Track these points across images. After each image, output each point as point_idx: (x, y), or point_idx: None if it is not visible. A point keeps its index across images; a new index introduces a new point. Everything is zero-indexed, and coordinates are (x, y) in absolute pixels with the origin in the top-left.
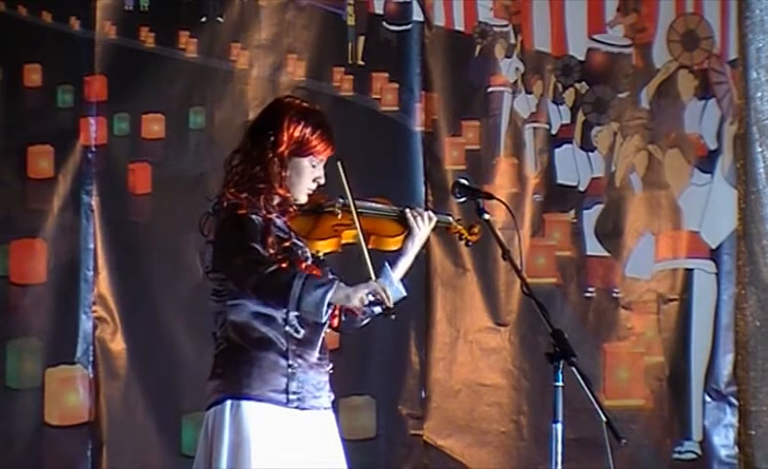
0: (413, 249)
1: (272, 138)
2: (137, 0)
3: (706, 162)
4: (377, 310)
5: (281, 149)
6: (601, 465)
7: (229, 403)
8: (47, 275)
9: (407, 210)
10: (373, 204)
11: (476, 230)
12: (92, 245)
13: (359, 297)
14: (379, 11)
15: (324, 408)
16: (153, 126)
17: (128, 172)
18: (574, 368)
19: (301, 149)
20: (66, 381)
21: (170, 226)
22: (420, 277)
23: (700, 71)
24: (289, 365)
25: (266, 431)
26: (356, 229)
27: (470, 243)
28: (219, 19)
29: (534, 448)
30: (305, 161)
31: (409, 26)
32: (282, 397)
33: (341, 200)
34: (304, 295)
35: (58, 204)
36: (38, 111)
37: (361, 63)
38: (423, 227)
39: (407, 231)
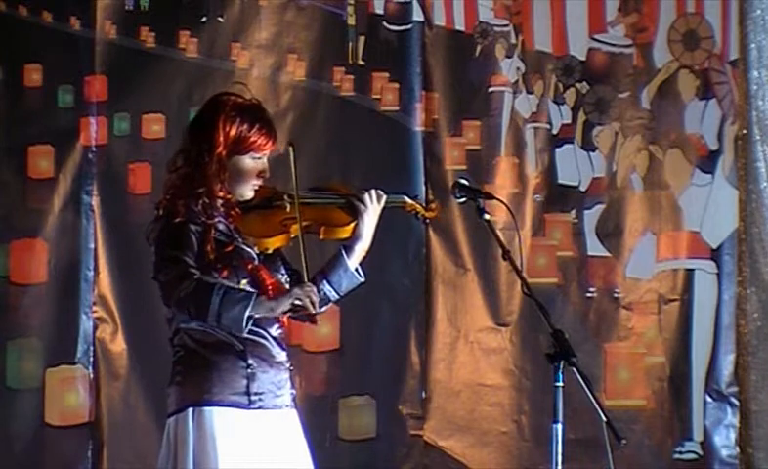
0: (367, 231)
1: (208, 139)
2: (137, 0)
3: (707, 162)
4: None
5: (219, 149)
6: (601, 465)
7: (191, 410)
8: (47, 275)
9: (356, 193)
10: (323, 194)
11: (432, 206)
12: (92, 245)
13: (281, 309)
14: (379, 11)
15: (286, 407)
16: (154, 126)
17: (128, 172)
18: (574, 369)
19: (240, 146)
20: (67, 381)
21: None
22: (421, 276)
23: (700, 71)
24: (248, 366)
25: (230, 434)
26: (304, 221)
27: (428, 220)
28: (219, 18)
29: (535, 449)
30: (246, 159)
31: (410, 26)
32: (244, 399)
33: (289, 194)
34: (223, 312)
35: (58, 204)
36: (38, 111)
37: (361, 62)
38: (371, 206)
39: (358, 216)
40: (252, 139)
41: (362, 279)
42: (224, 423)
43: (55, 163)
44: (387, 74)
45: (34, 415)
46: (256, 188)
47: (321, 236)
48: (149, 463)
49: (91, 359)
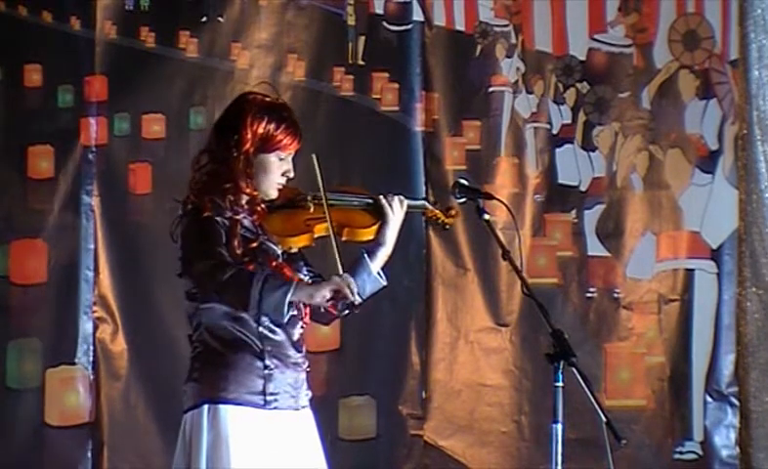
0: (391, 237)
1: (236, 136)
2: (137, 0)
3: (707, 162)
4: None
5: (246, 146)
6: (602, 465)
7: (206, 407)
8: (47, 275)
9: (381, 197)
10: (346, 196)
11: (453, 212)
12: (92, 246)
13: (321, 295)
14: (379, 11)
15: (302, 407)
16: (154, 126)
17: (128, 172)
18: (574, 369)
19: (266, 145)
20: (67, 381)
21: (170, 226)
22: (421, 277)
23: (701, 71)
24: (266, 367)
25: (244, 433)
26: (327, 222)
27: (447, 227)
28: (219, 18)
29: (536, 449)
30: (272, 157)
31: (410, 26)
32: (260, 399)
33: (312, 194)
34: (264, 297)
35: (58, 204)
36: (38, 111)
37: (361, 62)
38: (397, 212)
39: (382, 220)
40: (279, 138)
41: (385, 283)
42: (238, 421)
43: (55, 163)
44: (387, 74)
45: (34, 415)
46: (280, 187)
47: (344, 238)
48: (150, 463)
49: (91, 359)
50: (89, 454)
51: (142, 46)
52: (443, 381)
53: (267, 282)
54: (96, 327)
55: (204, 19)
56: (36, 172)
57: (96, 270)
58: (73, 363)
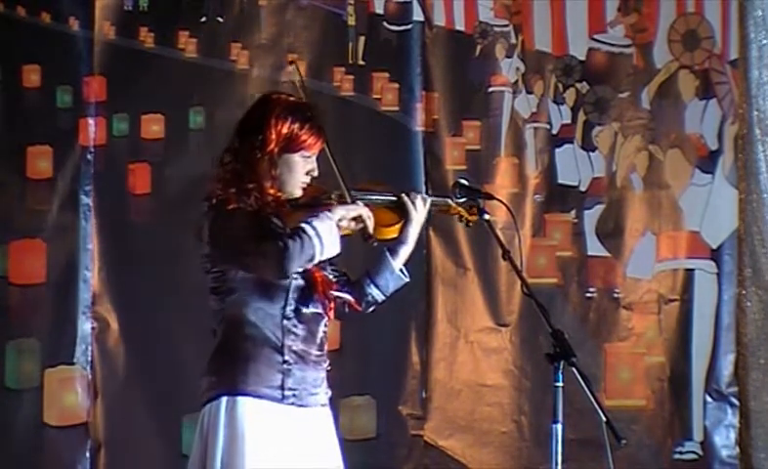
0: (413, 235)
1: (260, 136)
2: (136, 0)
3: (707, 162)
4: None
5: (270, 147)
6: (602, 465)
7: (224, 399)
8: (46, 275)
9: (404, 196)
10: (369, 193)
11: (475, 209)
12: (91, 246)
13: (350, 215)
14: (379, 11)
15: (321, 405)
16: (153, 126)
17: (127, 172)
18: (574, 369)
19: (291, 144)
20: (65, 381)
21: (170, 226)
22: (421, 277)
23: (700, 71)
24: (285, 361)
25: (261, 427)
26: None
27: (470, 224)
28: (219, 18)
29: (536, 449)
30: (296, 156)
31: (410, 26)
32: (278, 393)
33: (337, 192)
34: (320, 233)
35: (57, 205)
36: (37, 112)
37: (361, 62)
38: (421, 210)
39: (405, 218)
40: (303, 137)
41: (408, 279)
42: (255, 414)
43: (54, 164)
44: (387, 74)
45: (33, 415)
46: (304, 186)
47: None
48: (148, 463)
49: (89, 359)
50: (87, 454)
51: (141, 46)
52: (443, 381)
53: (315, 223)
54: (94, 327)
55: (204, 19)
56: (35, 172)
57: (94, 270)
58: (72, 364)
